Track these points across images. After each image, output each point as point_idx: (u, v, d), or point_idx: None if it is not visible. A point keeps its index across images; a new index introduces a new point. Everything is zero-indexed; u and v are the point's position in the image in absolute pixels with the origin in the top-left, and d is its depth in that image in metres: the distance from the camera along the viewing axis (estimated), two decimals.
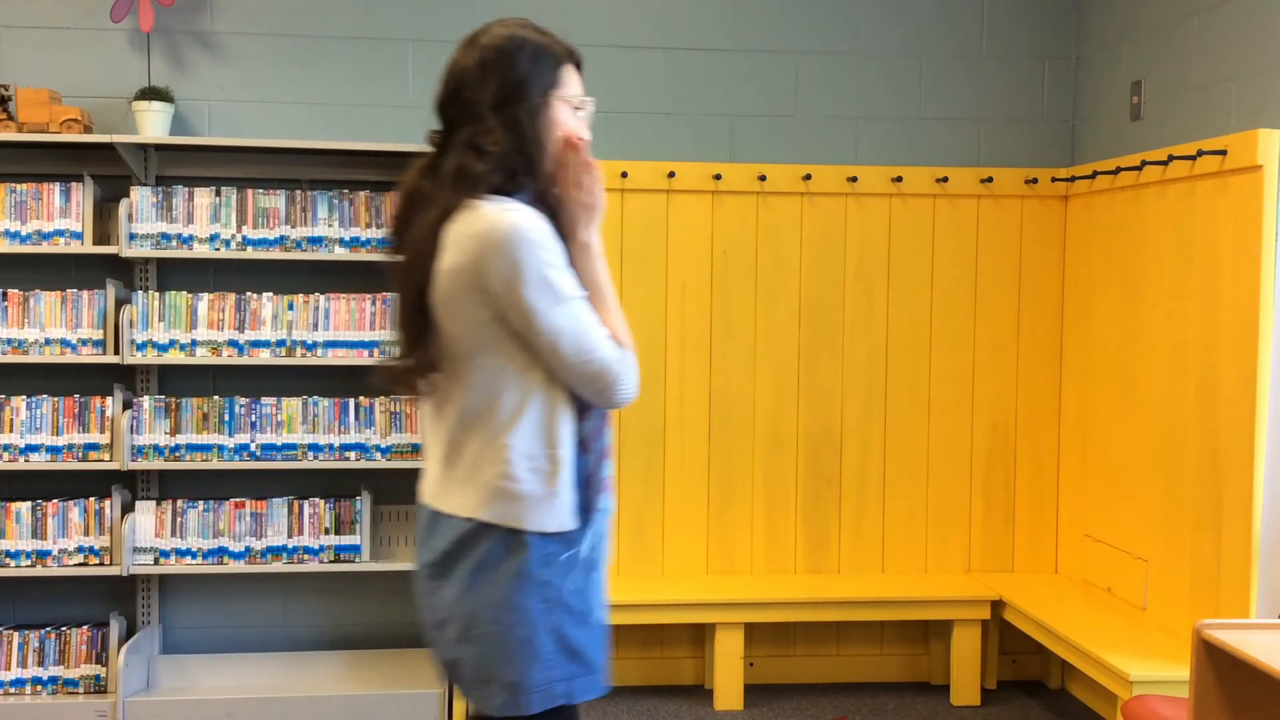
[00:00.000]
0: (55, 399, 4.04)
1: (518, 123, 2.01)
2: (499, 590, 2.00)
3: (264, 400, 4.12)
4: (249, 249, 4.11)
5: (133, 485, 4.24)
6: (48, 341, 4.05)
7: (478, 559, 2.01)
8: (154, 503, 4.12)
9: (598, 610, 2.10)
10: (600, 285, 2.07)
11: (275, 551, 4.14)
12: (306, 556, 4.14)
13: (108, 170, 4.17)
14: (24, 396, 4.04)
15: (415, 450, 4.13)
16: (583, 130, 2.10)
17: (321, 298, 4.13)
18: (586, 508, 2.05)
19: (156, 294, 4.09)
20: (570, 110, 2.08)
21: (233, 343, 4.10)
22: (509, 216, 1.95)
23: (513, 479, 2.00)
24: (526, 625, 2.00)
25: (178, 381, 4.28)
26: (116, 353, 4.04)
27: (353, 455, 4.13)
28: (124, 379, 4.19)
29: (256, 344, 4.11)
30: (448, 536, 2.04)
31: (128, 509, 4.11)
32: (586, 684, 2.07)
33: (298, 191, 4.16)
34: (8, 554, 4.02)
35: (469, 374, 2.02)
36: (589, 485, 2.06)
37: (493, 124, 2.00)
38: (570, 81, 2.09)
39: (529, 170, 2.03)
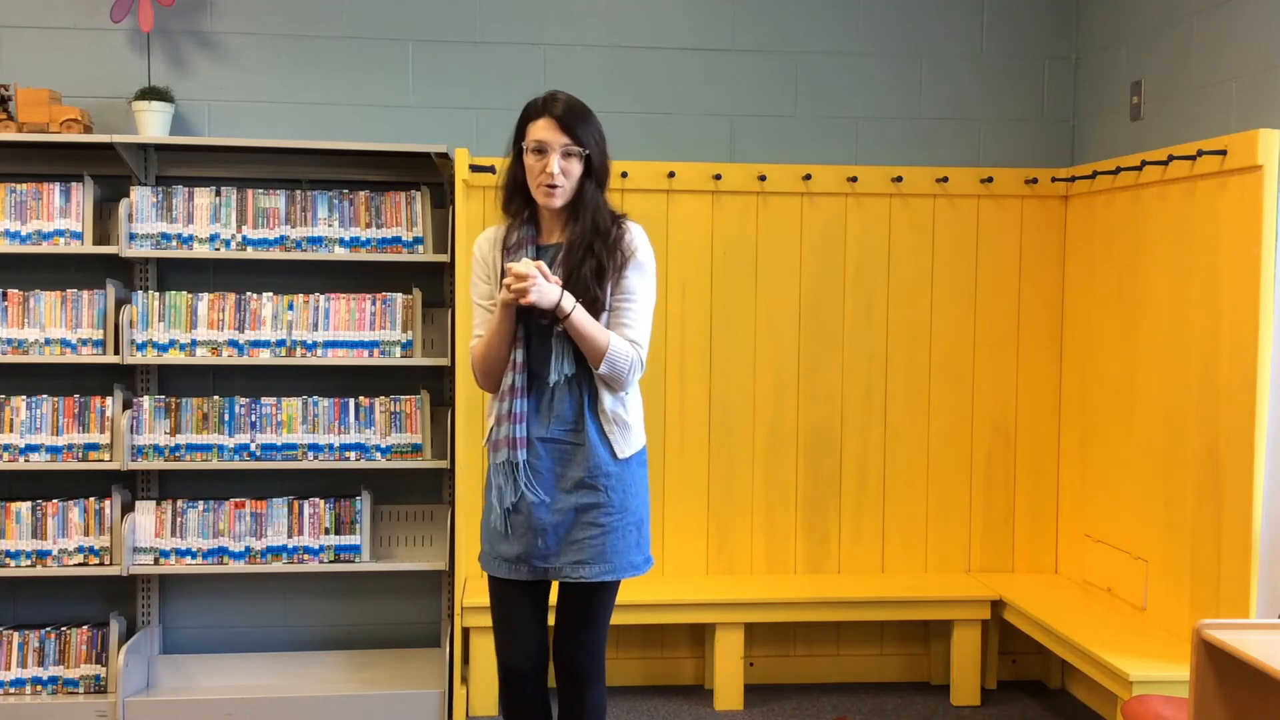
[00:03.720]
0: (55, 399, 4.04)
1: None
2: None
3: (264, 400, 4.12)
4: (249, 249, 4.11)
5: (133, 485, 4.24)
6: (48, 341, 4.05)
7: None
8: (154, 503, 4.13)
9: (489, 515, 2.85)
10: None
11: (275, 551, 4.14)
12: (306, 556, 4.14)
13: (108, 170, 4.17)
14: (24, 396, 4.04)
15: (415, 450, 4.14)
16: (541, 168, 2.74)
17: (321, 298, 4.13)
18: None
19: (156, 294, 4.09)
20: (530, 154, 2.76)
21: (233, 343, 4.10)
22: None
23: None
24: None
25: (178, 381, 4.28)
26: (116, 353, 4.04)
27: (353, 455, 4.13)
28: (124, 379, 4.19)
29: (256, 344, 4.11)
30: None
31: (128, 509, 4.11)
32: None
33: (298, 191, 4.16)
34: (8, 554, 4.03)
35: None
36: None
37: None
38: (530, 131, 2.75)
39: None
